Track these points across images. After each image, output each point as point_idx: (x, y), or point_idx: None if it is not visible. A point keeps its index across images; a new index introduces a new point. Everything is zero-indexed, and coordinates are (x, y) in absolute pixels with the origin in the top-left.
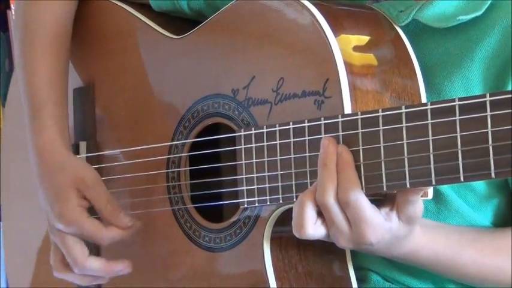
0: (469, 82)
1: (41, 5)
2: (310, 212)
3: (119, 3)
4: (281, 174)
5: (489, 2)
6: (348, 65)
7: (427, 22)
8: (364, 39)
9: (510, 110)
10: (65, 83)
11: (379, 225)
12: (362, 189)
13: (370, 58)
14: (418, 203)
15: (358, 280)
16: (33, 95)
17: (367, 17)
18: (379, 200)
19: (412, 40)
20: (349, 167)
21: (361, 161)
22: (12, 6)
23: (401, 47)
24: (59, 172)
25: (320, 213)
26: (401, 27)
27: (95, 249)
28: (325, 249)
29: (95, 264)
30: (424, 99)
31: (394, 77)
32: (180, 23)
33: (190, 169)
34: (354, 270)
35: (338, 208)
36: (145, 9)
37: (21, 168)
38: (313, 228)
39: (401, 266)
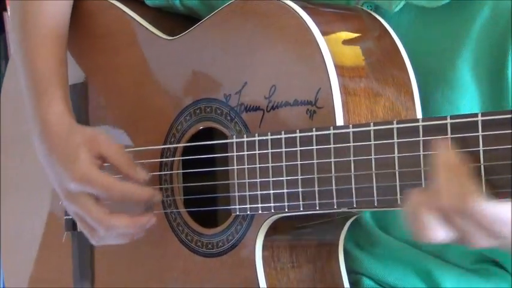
0: (475, 62)
1: None
2: (430, 217)
3: (113, 2)
4: (272, 181)
5: None
6: (340, 73)
7: (419, 3)
8: (357, 47)
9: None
10: (66, 70)
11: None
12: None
13: (363, 67)
14: None
15: (351, 284)
16: (37, 78)
17: (358, 22)
18: None
19: (408, 28)
20: (465, 170)
21: (352, 171)
22: (7, 7)
23: (394, 53)
24: (70, 136)
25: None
26: (395, 19)
27: (88, 250)
28: (318, 256)
29: (120, 220)
30: (418, 108)
31: (388, 85)
32: (173, 20)
33: (183, 172)
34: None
35: (466, 213)
36: (139, 5)
37: (17, 164)
38: (439, 233)
39: (395, 269)
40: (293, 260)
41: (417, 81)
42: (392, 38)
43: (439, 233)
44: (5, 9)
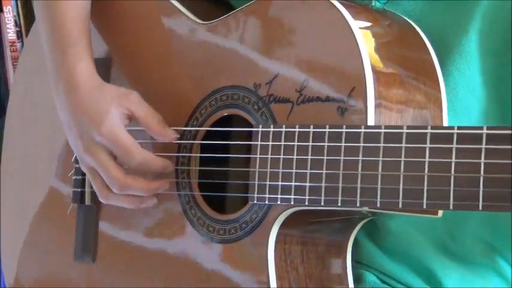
0: (485, 34)
1: None
2: None
3: None
4: (295, 173)
5: None
6: (376, 77)
7: None
8: (394, 50)
9: None
10: (90, 33)
11: None
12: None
13: (397, 71)
14: None
15: (354, 280)
16: (64, 32)
17: (390, 20)
18: None
19: (423, 12)
20: None
21: (380, 171)
22: (4, 9)
23: (425, 55)
24: (101, 90)
25: None
26: (413, 4)
27: (93, 225)
28: (327, 253)
29: (135, 181)
30: (445, 117)
31: (419, 93)
32: (203, 4)
33: (201, 156)
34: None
35: None
36: None
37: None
38: None
39: (401, 264)
40: (303, 255)
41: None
42: (423, 39)
43: None
44: (1, 10)
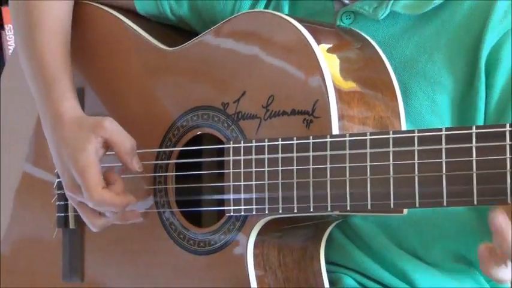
0: (450, 59)
1: None
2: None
3: (110, 10)
4: (268, 184)
5: None
6: (337, 87)
7: (403, 11)
8: (352, 62)
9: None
10: (71, 67)
11: None
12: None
13: (357, 82)
14: None
15: (331, 283)
16: (46, 70)
17: (349, 37)
18: None
19: (389, 32)
20: None
21: (347, 177)
22: (5, 27)
23: (382, 67)
24: (80, 127)
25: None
26: (377, 26)
27: (79, 247)
28: (302, 256)
29: (109, 195)
30: (403, 121)
31: (378, 99)
32: (164, 31)
33: (176, 175)
34: (328, 272)
35: None
36: (132, 14)
37: (14, 162)
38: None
39: (376, 261)
40: (280, 259)
41: (398, 77)
42: (380, 56)
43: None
44: (2, 28)
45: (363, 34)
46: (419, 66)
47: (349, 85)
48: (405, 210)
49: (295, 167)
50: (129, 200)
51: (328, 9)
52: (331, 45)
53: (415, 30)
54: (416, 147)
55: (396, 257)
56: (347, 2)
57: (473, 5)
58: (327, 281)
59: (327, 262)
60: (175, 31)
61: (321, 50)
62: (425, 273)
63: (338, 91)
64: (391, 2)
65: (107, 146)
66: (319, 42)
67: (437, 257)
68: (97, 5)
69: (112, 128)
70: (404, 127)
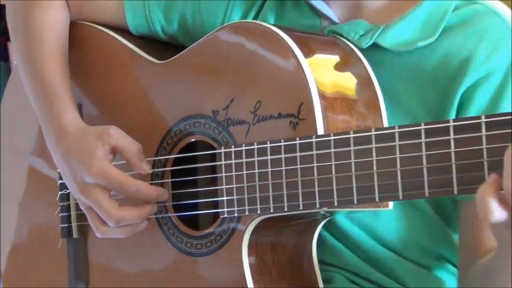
0: (423, 91)
1: (42, 10)
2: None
3: (105, 30)
4: (259, 185)
5: (441, 28)
6: (320, 91)
7: (387, 47)
8: (333, 65)
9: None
10: (69, 80)
11: None
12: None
13: (339, 84)
14: None
15: (324, 281)
16: (46, 86)
17: (332, 45)
18: None
19: (369, 59)
20: None
21: (334, 174)
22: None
23: (364, 73)
24: (85, 136)
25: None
26: (361, 51)
27: (83, 255)
28: (296, 254)
29: (128, 211)
30: (385, 120)
31: (359, 100)
32: (157, 46)
33: (172, 181)
34: (321, 271)
35: None
36: (127, 34)
37: (16, 175)
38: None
39: (365, 260)
40: (274, 258)
41: None
42: (363, 63)
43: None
44: (9, 40)
45: (346, 41)
46: (394, 93)
47: (332, 88)
48: (390, 205)
49: (284, 168)
50: (148, 210)
51: (316, 27)
52: (314, 52)
53: (394, 60)
54: (397, 142)
55: (383, 257)
56: (336, 20)
57: (455, 45)
58: (320, 276)
59: (319, 262)
60: (166, 45)
61: (304, 57)
62: (411, 271)
63: (321, 93)
64: (377, 34)
65: (114, 152)
66: (302, 49)
67: (416, 255)
68: (92, 24)
69: (117, 134)
70: (386, 124)
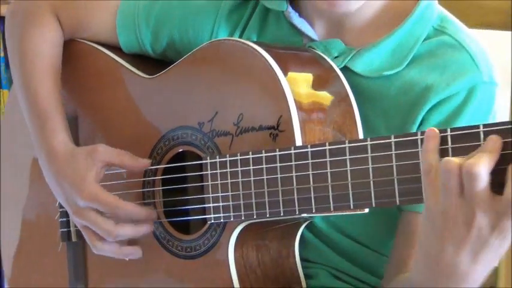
0: (387, 113)
1: (38, 29)
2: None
3: (98, 46)
4: (242, 193)
5: (410, 58)
6: (298, 103)
7: (356, 71)
8: (310, 78)
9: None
10: (62, 103)
11: None
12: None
13: (315, 96)
14: None
15: (307, 277)
16: (39, 109)
17: (310, 59)
18: None
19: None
20: None
21: (311, 183)
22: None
23: (340, 85)
24: (75, 159)
25: None
26: None
27: (82, 258)
28: (280, 255)
29: (125, 229)
30: (360, 131)
31: (336, 112)
32: (148, 62)
33: (163, 189)
34: (304, 268)
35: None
36: (119, 50)
37: (17, 184)
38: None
39: (347, 259)
40: (259, 259)
41: None
42: (341, 78)
43: None
44: None
45: (322, 55)
46: (361, 113)
47: (310, 100)
48: (366, 209)
49: (265, 177)
50: (144, 229)
51: (297, 44)
52: (292, 66)
53: (363, 82)
54: (369, 154)
55: (363, 255)
56: (315, 38)
57: (420, 74)
58: (303, 274)
59: (303, 259)
60: (156, 61)
61: (282, 73)
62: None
63: (299, 106)
64: (348, 58)
65: (106, 166)
66: (281, 65)
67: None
68: (86, 41)
69: (106, 149)
70: (360, 131)
